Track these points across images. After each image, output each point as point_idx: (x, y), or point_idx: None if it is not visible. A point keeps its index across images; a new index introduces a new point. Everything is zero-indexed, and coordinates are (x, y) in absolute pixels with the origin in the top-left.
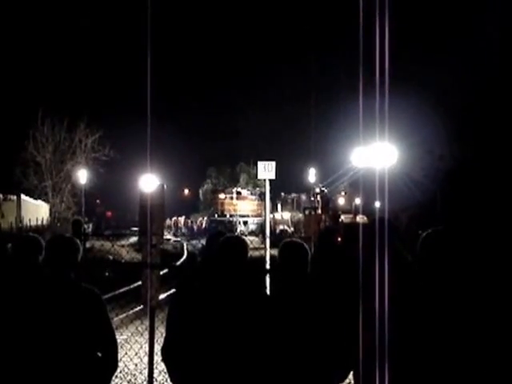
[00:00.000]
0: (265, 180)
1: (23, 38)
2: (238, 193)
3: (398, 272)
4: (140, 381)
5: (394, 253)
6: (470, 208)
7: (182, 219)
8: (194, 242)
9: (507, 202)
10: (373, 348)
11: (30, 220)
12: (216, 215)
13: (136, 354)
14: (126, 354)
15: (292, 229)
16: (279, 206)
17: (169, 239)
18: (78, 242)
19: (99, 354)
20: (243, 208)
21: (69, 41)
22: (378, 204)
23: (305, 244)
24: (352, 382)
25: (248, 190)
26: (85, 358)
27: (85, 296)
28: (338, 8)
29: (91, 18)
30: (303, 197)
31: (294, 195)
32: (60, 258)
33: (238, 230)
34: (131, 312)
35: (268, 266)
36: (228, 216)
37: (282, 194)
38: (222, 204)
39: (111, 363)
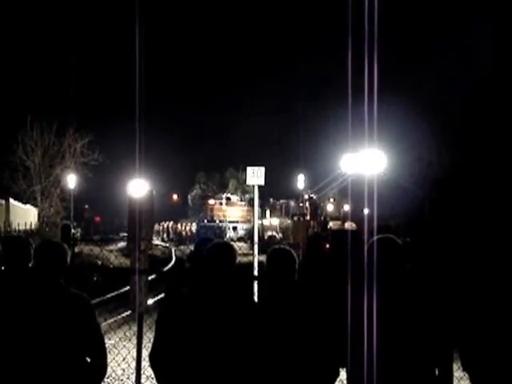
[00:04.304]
0: (254, 186)
1: (12, 42)
2: (228, 198)
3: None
4: None
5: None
6: (458, 216)
7: (170, 224)
8: (182, 247)
9: (495, 210)
10: (361, 353)
11: (18, 224)
12: (205, 221)
13: (124, 359)
14: (114, 359)
15: (280, 235)
16: (268, 212)
17: (157, 245)
18: (67, 247)
19: (88, 360)
20: (233, 214)
21: (58, 45)
22: (366, 211)
23: (292, 251)
24: None
25: (238, 195)
26: (74, 363)
27: (74, 301)
28: (328, 16)
29: (81, 22)
30: (292, 203)
31: (282, 201)
32: (49, 264)
33: (228, 236)
34: (119, 317)
35: (256, 273)
36: (217, 222)
37: (271, 199)
38: (212, 209)
39: (100, 368)
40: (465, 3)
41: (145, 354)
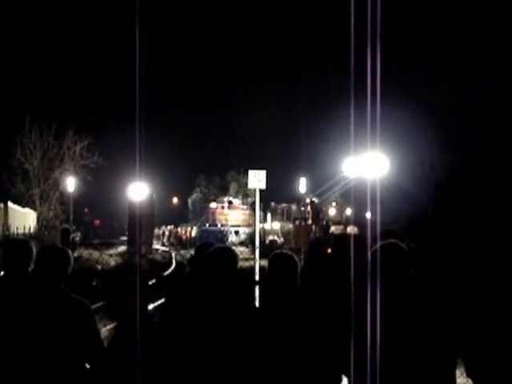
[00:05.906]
0: (255, 189)
1: (11, 44)
2: (230, 202)
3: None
4: None
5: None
6: (461, 220)
7: (170, 228)
8: (182, 251)
9: (498, 213)
10: (364, 360)
11: (17, 228)
12: (207, 225)
13: None
14: None
15: (282, 239)
16: (269, 216)
17: (157, 249)
18: (70, 253)
19: (87, 366)
20: (234, 218)
21: (57, 47)
22: (369, 215)
23: (294, 256)
24: None
25: (239, 199)
26: (73, 368)
27: (73, 306)
28: (330, 19)
29: (79, 24)
30: (293, 207)
31: (284, 205)
32: (51, 269)
33: (229, 240)
34: None
35: (258, 277)
36: (219, 226)
37: (272, 203)
38: (214, 213)
39: (99, 374)
40: (466, 9)
41: None
